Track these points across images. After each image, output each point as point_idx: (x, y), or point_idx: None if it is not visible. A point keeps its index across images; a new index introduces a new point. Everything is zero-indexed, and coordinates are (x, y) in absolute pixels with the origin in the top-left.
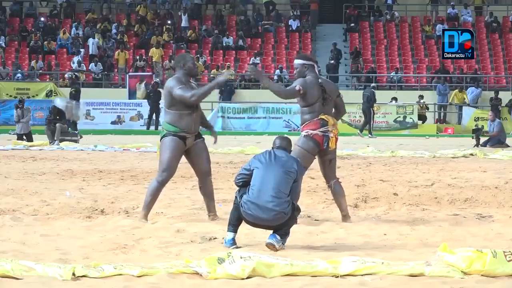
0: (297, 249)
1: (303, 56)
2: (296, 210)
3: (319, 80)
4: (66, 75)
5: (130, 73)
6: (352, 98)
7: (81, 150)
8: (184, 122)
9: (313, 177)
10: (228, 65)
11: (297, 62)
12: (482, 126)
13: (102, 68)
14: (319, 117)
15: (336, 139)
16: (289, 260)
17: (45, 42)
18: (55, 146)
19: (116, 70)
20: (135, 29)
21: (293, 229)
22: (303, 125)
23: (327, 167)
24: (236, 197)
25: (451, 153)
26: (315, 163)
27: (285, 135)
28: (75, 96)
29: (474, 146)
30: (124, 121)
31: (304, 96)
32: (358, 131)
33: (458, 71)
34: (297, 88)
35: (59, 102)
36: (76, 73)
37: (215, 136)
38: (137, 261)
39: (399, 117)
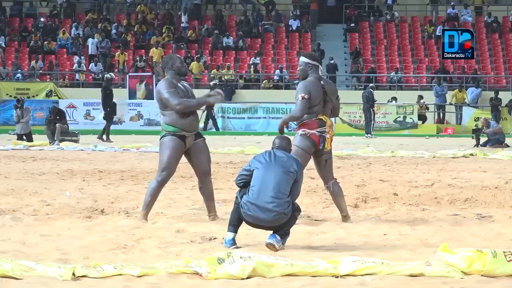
0: (297, 249)
1: (309, 55)
2: (296, 210)
3: (321, 82)
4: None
5: (130, 73)
6: (352, 98)
7: (81, 150)
8: (182, 121)
9: (313, 177)
10: (228, 65)
11: (302, 60)
12: (482, 126)
13: (102, 68)
14: (317, 117)
15: (331, 140)
16: (289, 260)
17: (45, 42)
18: (55, 146)
19: (116, 70)
20: (135, 29)
21: (293, 229)
22: (300, 124)
23: (324, 168)
24: (236, 197)
25: (451, 153)
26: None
27: (285, 135)
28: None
29: (474, 146)
30: (124, 121)
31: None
32: (367, 134)
33: (458, 71)
34: (300, 96)
35: None
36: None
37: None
38: (137, 261)
39: (399, 117)
